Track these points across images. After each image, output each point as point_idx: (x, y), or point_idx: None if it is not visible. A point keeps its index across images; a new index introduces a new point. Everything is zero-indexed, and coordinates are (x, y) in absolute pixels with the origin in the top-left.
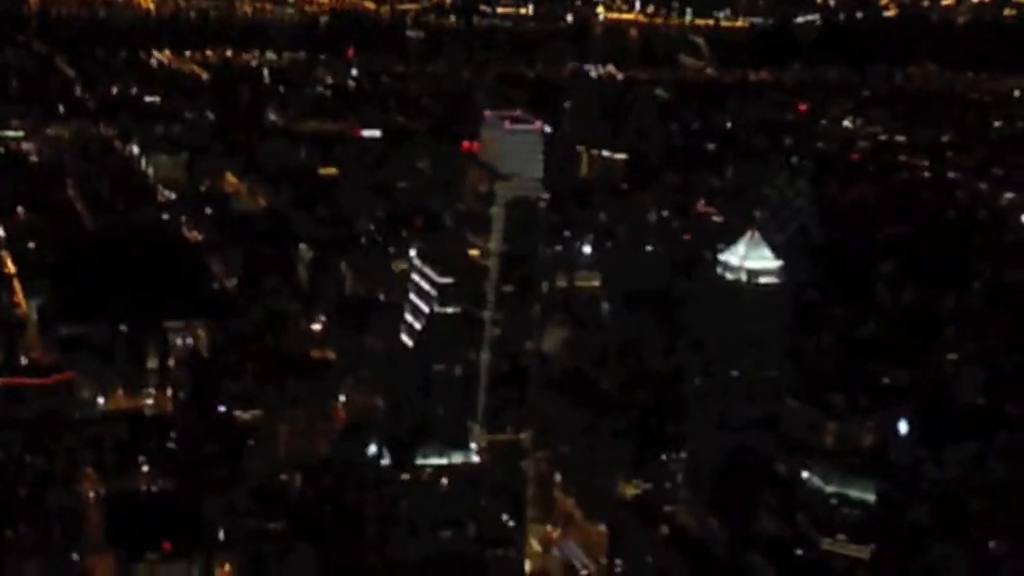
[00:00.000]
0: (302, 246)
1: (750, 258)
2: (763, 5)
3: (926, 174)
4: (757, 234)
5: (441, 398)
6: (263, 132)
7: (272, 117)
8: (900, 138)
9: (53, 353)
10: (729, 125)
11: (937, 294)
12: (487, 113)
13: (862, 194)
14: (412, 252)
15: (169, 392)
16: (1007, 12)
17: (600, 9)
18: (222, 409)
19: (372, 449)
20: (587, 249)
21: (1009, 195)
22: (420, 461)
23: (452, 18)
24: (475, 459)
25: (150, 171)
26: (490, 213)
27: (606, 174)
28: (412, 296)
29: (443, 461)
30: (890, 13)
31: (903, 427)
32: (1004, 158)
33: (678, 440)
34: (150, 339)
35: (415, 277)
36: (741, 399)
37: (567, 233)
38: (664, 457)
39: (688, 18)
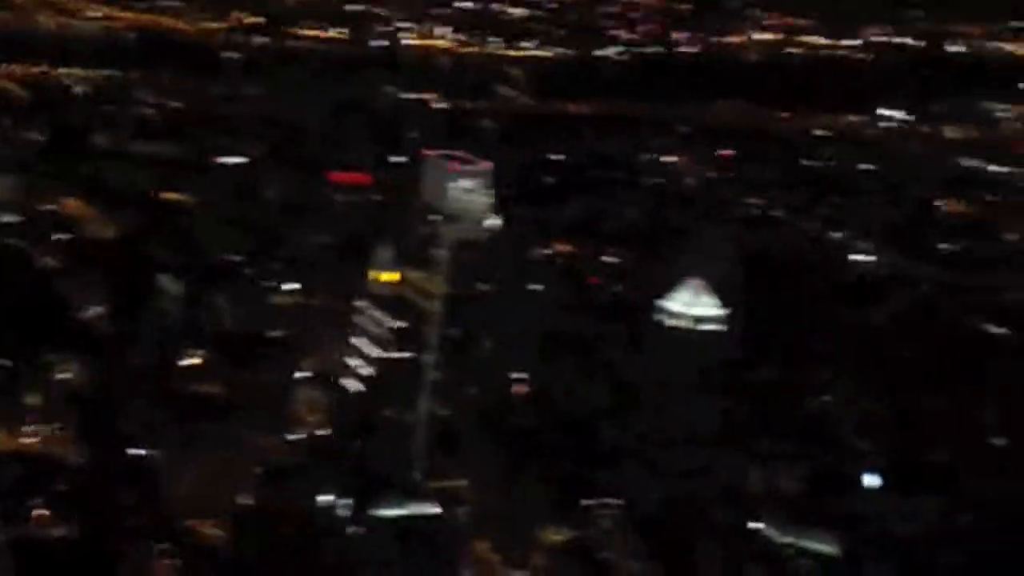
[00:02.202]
0: (164, 276)
1: (694, 306)
2: (565, 36)
3: (754, 212)
4: (700, 281)
5: (389, 445)
6: (95, 154)
7: (101, 138)
8: (722, 174)
9: None
10: (562, 158)
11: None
12: (428, 153)
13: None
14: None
15: (53, 430)
16: (794, 51)
17: (407, 34)
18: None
19: (324, 496)
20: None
21: (837, 234)
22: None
23: (263, 39)
24: (430, 508)
25: None
26: (434, 255)
27: None
28: (355, 339)
29: (401, 511)
30: (685, 50)
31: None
32: (822, 196)
33: (605, 487)
34: (27, 373)
35: (360, 319)
36: (680, 446)
37: None
38: (590, 503)
39: (496, 48)
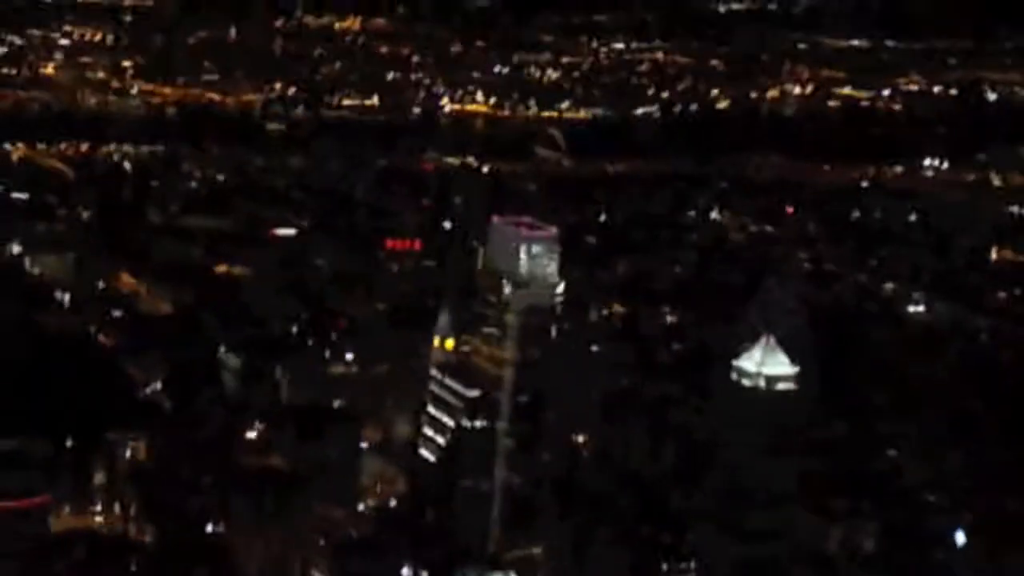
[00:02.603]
0: (223, 350)
1: (767, 364)
2: (601, 96)
3: (806, 266)
4: (772, 339)
5: (468, 515)
6: (147, 229)
7: (151, 213)
8: (769, 229)
9: None
10: (603, 218)
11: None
12: (496, 218)
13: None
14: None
15: (118, 509)
16: (831, 103)
17: (445, 100)
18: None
19: (406, 570)
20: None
21: (889, 285)
22: None
23: (300, 110)
24: None
25: (36, 271)
26: (505, 320)
27: None
28: (431, 408)
29: None
30: (722, 106)
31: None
32: (871, 248)
33: (681, 550)
34: (93, 452)
35: (435, 388)
36: (754, 508)
37: None
38: (666, 567)
39: (532, 109)
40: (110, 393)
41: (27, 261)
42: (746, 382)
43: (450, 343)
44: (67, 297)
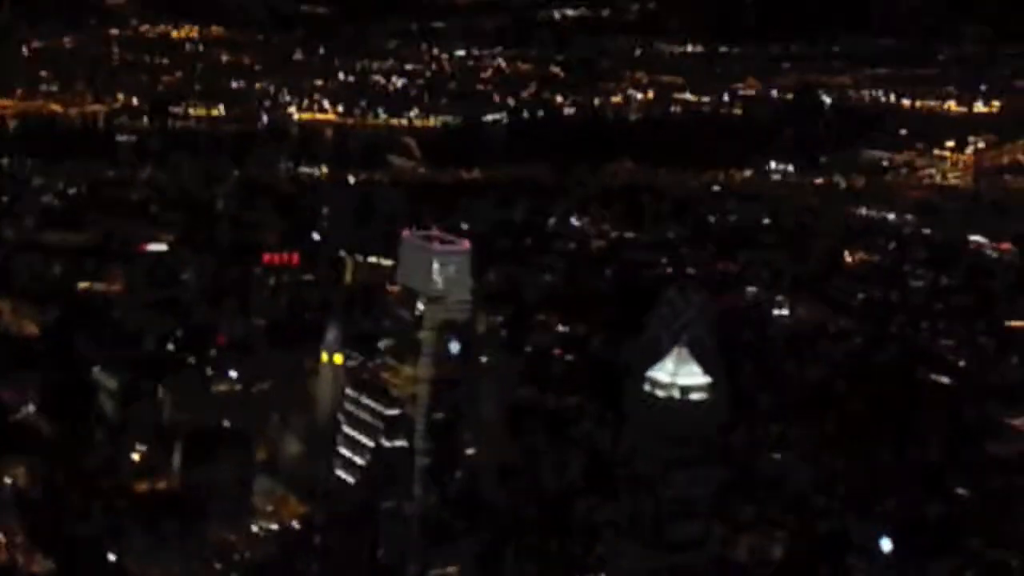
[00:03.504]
0: (98, 370)
1: (680, 374)
2: (448, 104)
3: (668, 270)
4: (685, 349)
5: (391, 537)
6: (2, 246)
7: (5, 229)
8: (629, 234)
9: None
10: (465, 226)
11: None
12: (406, 233)
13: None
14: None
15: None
16: (673, 109)
17: (293, 109)
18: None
19: None
20: None
21: (752, 289)
22: None
23: (145, 121)
24: None
25: None
26: (419, 337)
27: (375, 280)
28: (347, 428)
29: None
30: (569, 112)
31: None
32: (732, 253)
33: (592, 562)
34: None
35: (350, 407)
36: (675, 519)
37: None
38: None
39: (382, 117)
40: None
41: None
42: (660, 393)
43: (339, 358)
44: None
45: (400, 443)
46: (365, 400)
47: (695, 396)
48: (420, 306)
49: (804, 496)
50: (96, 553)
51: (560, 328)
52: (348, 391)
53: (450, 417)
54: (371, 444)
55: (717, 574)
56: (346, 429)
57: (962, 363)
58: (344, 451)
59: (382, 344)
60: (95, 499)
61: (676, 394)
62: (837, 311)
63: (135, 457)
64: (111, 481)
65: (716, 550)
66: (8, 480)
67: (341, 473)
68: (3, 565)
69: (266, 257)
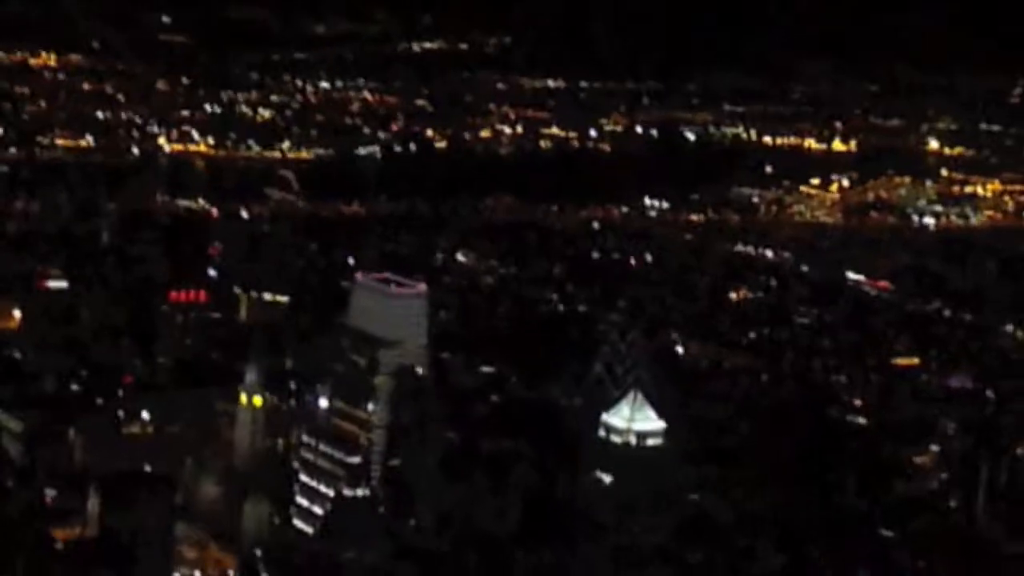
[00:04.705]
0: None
1: (636, 420)
2: (318, 137)
3: (560, 308)
4: (640, 395)
5: None
6: None
7: None
8: (514, 270)
9: None
10: (352, 261)
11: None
12: (360, 275)
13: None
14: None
15: None
16: (543, 144)
17: (162, 140)
18: None
19: None
20: (323, 403)
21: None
22: None
23: (12, 151)
24: None
25: None
26: (373, 383)
27: (272, 318)
28: (304, 476)
29: None
30: (440, 145)
31: None
32: (618, 290)
33: None
34: None
35: (306, 454)
36: (628, 566)
37: (292, 385)
38: None
39: (254, 149)
40: None
41: None
42: (615, 438)
43: (258, 400)
44: None
45: (362, 492)
46: (323, 447)
47: (651, 441)
48: (373, 351)
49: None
50: None
51: (484, 369)
52: (304, 437)
53: (404, 463)
54: (331, 493)
55: None
56: (303, 477)
57: (857, 401)
58: (301, 500)
59: (329, 388)
60: (12, 547)
61: (632, 439)
62: (731, 349)
63: (48, 503)
64: (26, 528)
65: None
66: None
67: (299, 523)
68: None
69: (172, 294)
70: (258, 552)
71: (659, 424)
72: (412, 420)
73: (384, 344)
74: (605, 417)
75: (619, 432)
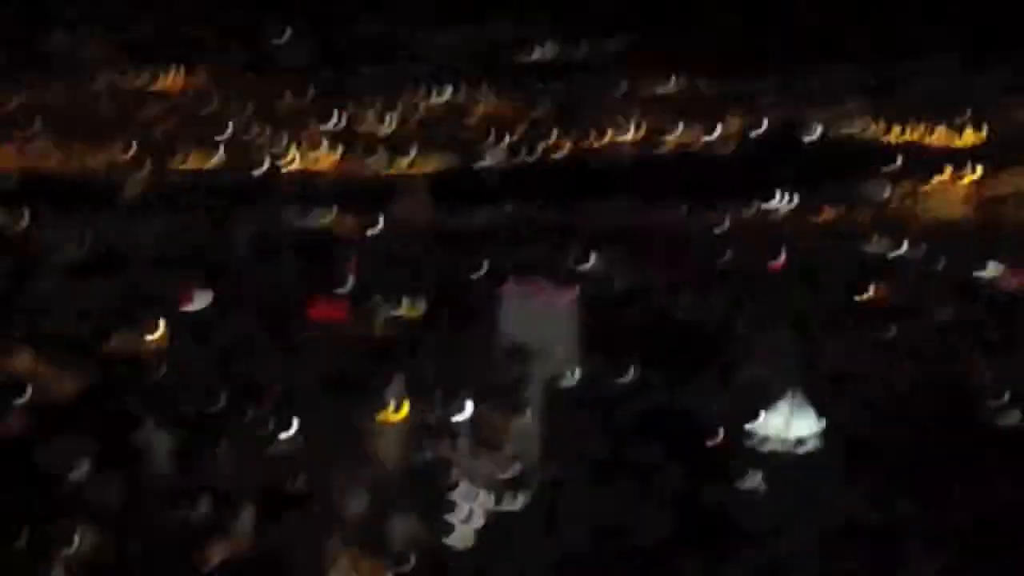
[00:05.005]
0: (150, 428)
1: (792, 425)
2: (443, 147)
3: (692, 312)
4: (797, 399)
5: None
6: (28, 303)
7: (30, 287)
8: (643, 274)
9: None
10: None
11: None
12: (508, 285)
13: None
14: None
15: None
16: (665, 147)
17: (290, 155)
18: None
19: None
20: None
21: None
22: None
23: (146, 172)
24: None
25: None
26: (525, 393)
27: (409, 330)
28: (459, 490)
29: None
30: (563, 152)
31: None
32: (750, 293)
33: None
34: (43, 551)
35: (459, 467)
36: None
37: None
38: None
39: (379, 162)
40: (31, 484)
41: None
42: (770, 445)
43: (403, 412)
44: None
45: (519, 505)
46: (478, 460)
47: (808, 446)
48: (526, 361)
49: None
50: None
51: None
52: (460, 448)
53: (559, 475)
54: (487, 507)
55: None
56: (458, 491)
57: (1006, 400)
58: (455, 514)
59: (476, 398)
60: (166, 565)
61: (789, 445)
62: (870, 349)
63: (202, 520)
64: (180, 546)
65: None
66: (73, 550)
67: (452, 539)
68: None
69: (313, 312)
70: (409, 567)
71: (815, 429)
72: (564, 430)
73: (535, 353)
74: (759, 423)
75: (774, 438)
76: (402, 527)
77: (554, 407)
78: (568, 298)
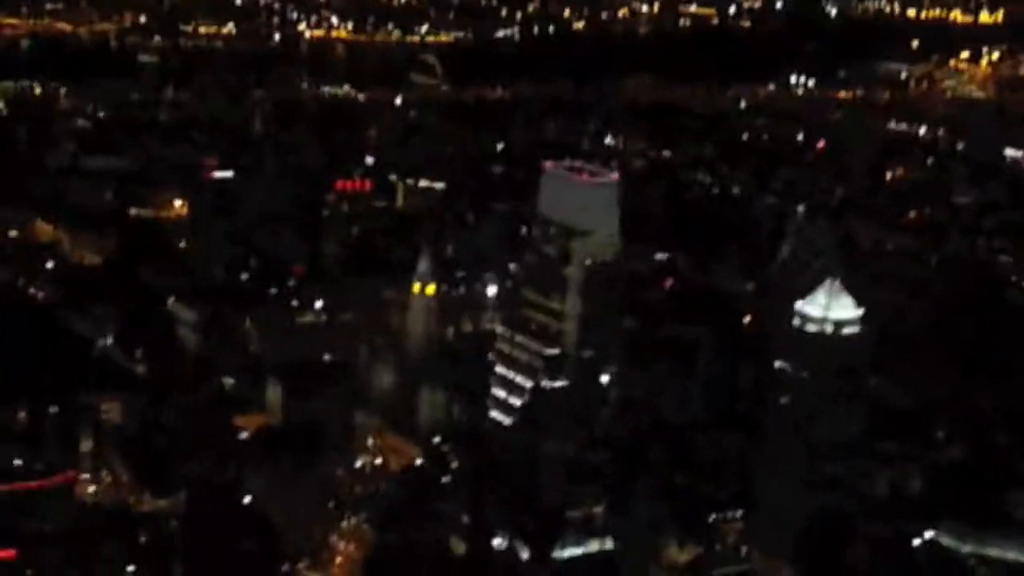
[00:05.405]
0: (173, 301)
1: (833, 308)
2: (456, 20)
3: (714, 190)
4: (837, 282)
5: (550, 478)
6: (48, 173)
7: (47, 156)
8: (666, 153)
9: None
10: (502, 145)
11: None
12: (549, 164)
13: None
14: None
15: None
16: (682, 22)
17: (303, 26)
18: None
19: (499, 540)
20: (491, 290)
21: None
22: (560, 553)
23: (156, 39)
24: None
25: None
26: (565, 273)
27: (429, 205)
28: (501, 368)
29: (580, 551)
30: (578, 26)
31: None
32: (771, 169)
33: (730, 500)
34: (74, 419)
35: (503, 347)
36: (823, 457)
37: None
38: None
39: (394, 34)
40: (61, 351)
41: None
42: (811, 327)
43: (431, 289)
44: None
45: (560, 383)
46: (520, 339)
47: (848, 330)
48: (566, 241)
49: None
50: (213, 491)
51: (658, 256)
52: (498, 328)
53: (597, 355)
54: (529, 384)
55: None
56: (500, 369)
57: None
58: (499, 392)
59: (519, 278)
60: (198, 435)
61: (829, 328)
62: (893, 230)
63: (228, 392)
64: (209, 416)
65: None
66: (106, 418)
67: (496, 414)
68: (114, 506)
69: (338, 183)
70: (437, 440)
71: (856, 312)
72: (604, 311)
73: (575, 233)
74: (799, 305)
75: (815, 320)
76: (433, 403)
77: (593, 287)
78: (610, 179)
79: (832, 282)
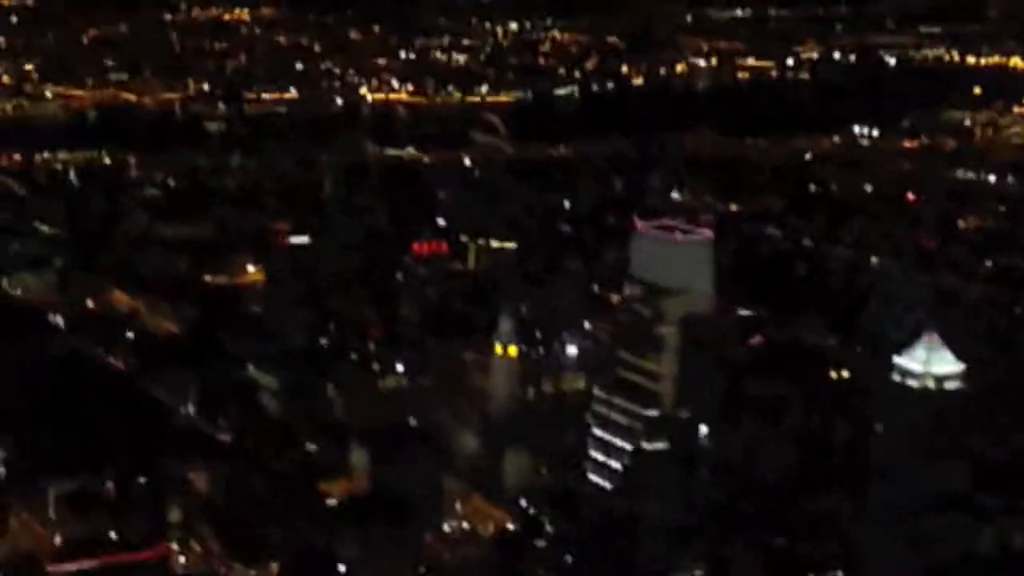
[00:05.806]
0: (252, 368)
1: (934, 363)
2: (514, 79)
3: (784, 243)
4: (936, 336)
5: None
6: (123, 241)
7: (121, 224)
8: (733, 207)
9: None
10: (568, 203)
11: None
12: (640, 223)
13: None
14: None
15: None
16: (740, 75)
17: (364, 89)
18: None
19: None
20: (571, 350)
21: (875, 259)
22: None
23: (221, 106)
24: None
25: (17, 292)
26: (659, 333)
27: (502, 265)
28: (598, 430)
29: None
30: (637, 82)
31: None
32: (841, 221)
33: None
34: (161, 488)
35: (601, 409)
36: (925, 515)
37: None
38: None
39: (454, 95)
40: (144, 419)
41: (3, 282)
42: (912, 383)
43: (513, 350)
44: (59, 319)
45: (661, 445)
46: (617, 400)
47: (950, 385)
48: (659, 301)
49: None
50: (305, 560)
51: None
52: (597, 392)
53: (692, 416)
54: (629, 446)
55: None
56: (598, 432)
57: None
58: (598, 455)
59: (605, 338)
60: (286, 503)
61: (931, 384)
62: (971, 280)
63: (313, 458)
64: (296, 483)
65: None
66: (195, 486)
67: (595, 477)
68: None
69: (415, 247)
70: (525, 503)
71: (957, 367)
72: (700, 370)
73: (670, 292)
74: (898, 359)
75: (916, 376)
76: (521, 465)
77: (689, 347)
78: (704, 237)
79: (931, 336)
